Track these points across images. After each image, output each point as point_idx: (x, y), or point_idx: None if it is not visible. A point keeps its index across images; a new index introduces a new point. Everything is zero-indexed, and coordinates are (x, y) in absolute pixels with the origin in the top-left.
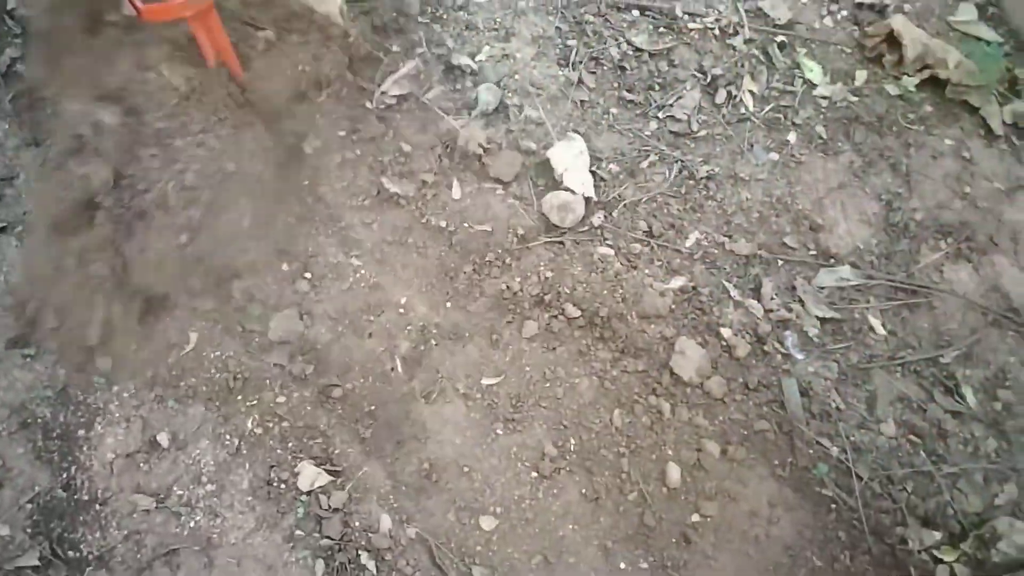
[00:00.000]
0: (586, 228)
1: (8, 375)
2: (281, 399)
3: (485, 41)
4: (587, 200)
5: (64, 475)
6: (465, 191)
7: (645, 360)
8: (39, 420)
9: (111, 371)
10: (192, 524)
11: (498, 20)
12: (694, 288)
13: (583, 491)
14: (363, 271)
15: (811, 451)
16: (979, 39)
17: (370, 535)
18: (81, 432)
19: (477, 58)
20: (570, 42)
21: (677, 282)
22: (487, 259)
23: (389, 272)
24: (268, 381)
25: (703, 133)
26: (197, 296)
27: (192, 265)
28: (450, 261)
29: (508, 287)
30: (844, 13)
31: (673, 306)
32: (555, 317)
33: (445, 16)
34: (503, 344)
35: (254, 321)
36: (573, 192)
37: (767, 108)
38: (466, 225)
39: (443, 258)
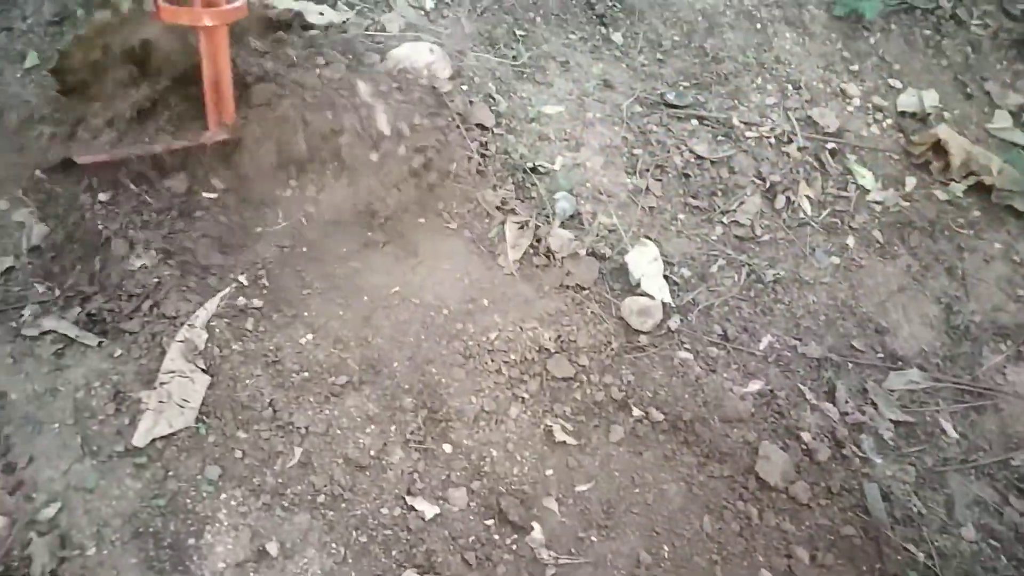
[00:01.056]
0: (663, 332)
1: (120, 484)
2: (384, 510)
3: (557, 151)
4: (664, 304)
5: None
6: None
7: (730, 465)
8: (150, 529)
9: (218, 479)
10: None
11: (568, 131)
12: (771, 391)
13: None
14: None
15: (899, 557)
16: (1015, 144)
17: None
18: (191, 541)
19: (551, 167)
20: (636, 151)
21: (755, 385)
22: None
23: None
24: (371, 488)
25: (766, 237)
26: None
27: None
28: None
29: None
30: (889, 121)
31: (753, 410)
32: (640, 422)
33: (519, 128)
34: (591, 449)
35: (359, 432)
36: (651, 297)
37: (824, 213)
38: None
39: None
